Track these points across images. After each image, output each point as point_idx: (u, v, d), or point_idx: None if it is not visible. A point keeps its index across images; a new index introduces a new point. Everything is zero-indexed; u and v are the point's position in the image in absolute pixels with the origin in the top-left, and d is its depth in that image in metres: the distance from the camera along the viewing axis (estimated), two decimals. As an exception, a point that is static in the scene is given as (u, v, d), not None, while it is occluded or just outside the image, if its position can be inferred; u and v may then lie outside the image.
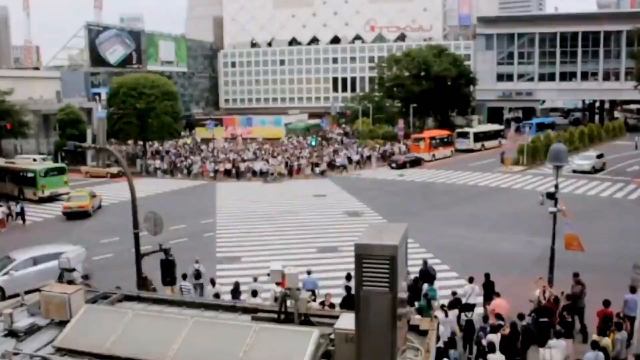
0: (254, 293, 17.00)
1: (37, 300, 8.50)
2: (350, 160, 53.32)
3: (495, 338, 13.83)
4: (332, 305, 15.98)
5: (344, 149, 59.14)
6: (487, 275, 17.94)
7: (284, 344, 6.92)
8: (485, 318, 15.08)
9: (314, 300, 16.39)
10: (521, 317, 14.83)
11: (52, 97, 69.89)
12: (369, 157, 55.15)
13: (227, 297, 18.03)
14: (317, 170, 49.60)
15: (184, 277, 19.24)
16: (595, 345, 12.70)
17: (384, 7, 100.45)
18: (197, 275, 20.33)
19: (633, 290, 15.73)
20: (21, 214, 34.71)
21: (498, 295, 16.42)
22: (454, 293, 17.05)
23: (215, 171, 50.20)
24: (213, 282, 18.90)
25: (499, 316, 14.83)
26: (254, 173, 48.95)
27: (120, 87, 60.77)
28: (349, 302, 16.00)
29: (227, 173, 50.10)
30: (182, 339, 7.17)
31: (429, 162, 54.32)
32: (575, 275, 17.04)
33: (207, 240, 27.80)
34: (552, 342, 13.53)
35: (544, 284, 16.74)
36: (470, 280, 17.80)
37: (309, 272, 19.01)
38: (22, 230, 33.29)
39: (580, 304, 16.43)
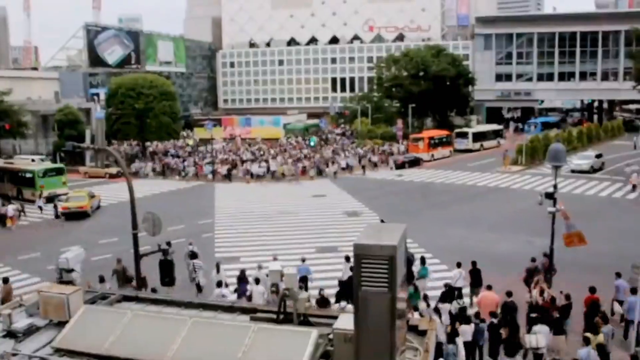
0: (257, 281, 17.63)
1: (36, 300, 8.49)
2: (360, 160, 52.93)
3: (468, 329, 14.31)
4: (326, 301, 16.26)
5: (348, 151, 58.46)
6: (473, 263, 18.94)
7: (282, 344, 6.92)
8: (477, 314, 15.19)
9: (306, 289, 17.63)
10: (509, 293, 15.89)
11: (50, 97, 69.86)
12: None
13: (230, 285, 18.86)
14: (329, 171, 48.23)
15: (196, 255, 21.18)
16: (587, 341, 12.94)
17: (383, 7, 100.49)
18: (192, 255, 21.50)
19: (619, 275, 16.86)
20: (55, 208, 36.30)
21: (489, 287, 16.57)
22: (446, 285, 17.54)
23: (213, 172, 49.31)
24: (218, 268, 19.70)
25: (493, 314, 14.93)
26: (252, 175, 47.83)
27: (118, 87, 60.83)
28: (341, 295, 17.05)
29: (224, 175, 48.97)
30: (180, 340, 7.17)
31: (427, 162, 54.32)
32: (545, 255, 18.93)
33: (206, 241, 27.77)
34: (537, 327, 14.00)
35: (543, 285, 16.77)
36: (458, 265, 18.89)
37: (303, 260, 20.29)
38: (23, 230, 33.31)
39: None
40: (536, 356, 13.89)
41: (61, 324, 7.90)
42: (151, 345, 7.17)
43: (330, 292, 17.70)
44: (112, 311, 8.37)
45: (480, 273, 18.73)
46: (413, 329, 7.79)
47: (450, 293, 16.98)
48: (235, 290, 18.47)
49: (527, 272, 18.46)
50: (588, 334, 13.55)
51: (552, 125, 74.47)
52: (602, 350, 12.94)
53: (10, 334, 7.91)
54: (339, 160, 52.29)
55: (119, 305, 9.02)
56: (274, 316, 8.04)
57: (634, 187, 37.69)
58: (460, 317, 15.02)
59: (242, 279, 18.89)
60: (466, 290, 18.77)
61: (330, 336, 7.01)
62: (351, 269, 17.56)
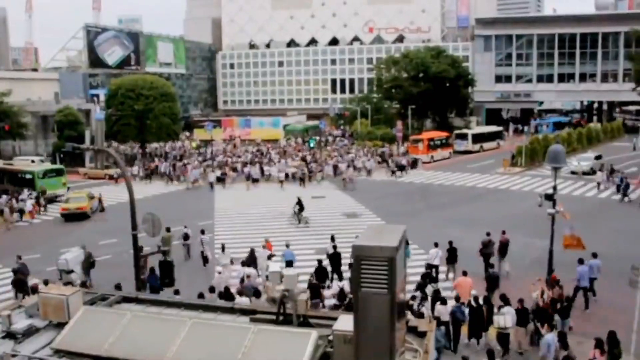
0: (248, 264, 19.97)
1: (36, 301, 8.49)
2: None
3: (444, 310, 15.70)
4: (316, 286, 17.53)
5: (368, 153, 56.04)
6: (450, 243, 21.91)
7: (282, 345, 6.92)
8: (457, 298, 16.39)
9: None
10: (491, 265, 20.48)
11: (50, 98, 69.81)
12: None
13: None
14: (346, 176, 44.69)
15: (202, 232, 24.76)
16: (552, 327, 14.46)
17: (383, 9, 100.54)
18: (186, 236, 25.26)
19: (581, 261, 18.43)
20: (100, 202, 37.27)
21: (465, 273, 18.22)
22: (426, 265, 19.93)
23: (217, 178, 45.53)
24: (223, 248, 22.26)
25: (475, 298, 16.35)
26: (255, 180, 45.13)
27: (118, 88, 60.82)
28: (320, 275, 18.89)
29: (220, 180, 45.49)
30: (180, 341, 7.17)
31: (427, 164, 54.28)
32: (503, 232, 22.57)
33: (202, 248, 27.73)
34: (504, 309, 15.21)
35: (543, 286, 16.77)
36: (435, 244, 21.37)
37: (287, 245, 21.98)
38: (24, 230, 33.31)
39: (488, 250, 21.80)
40: (503, 336, 15.08)
41: (61, 325, 7.90)
42: (150, 346, 7.18)
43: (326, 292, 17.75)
44: (111, 312, 8.37)
45: (456, 251, 21.54)
46: (413, 330, 7.79)
47: (429, 273, 19.42)
48: (243, 263, 20.31)
49: (482, 245, 21.94)
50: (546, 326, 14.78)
51: (564, 125, 74.69)
52: (562, 336, 14.21)
53: (10, 335, 7.91)
54: (357, 163, 49.85)
55: (118, 306, 9.02)
56: (274, 317, 8.04)
57: (599, 185, 39.51)
58: (435, 299, 16.33)
59: (251, 257, 20.94)
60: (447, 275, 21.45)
61: (330, 337, 7.01)
62: (334, 247, 20.54)
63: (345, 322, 6.71)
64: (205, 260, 23.91)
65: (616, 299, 18.05)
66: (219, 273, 19.38)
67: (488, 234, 22.38)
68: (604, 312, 17.86)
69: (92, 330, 7.58)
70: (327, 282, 19.00)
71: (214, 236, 29.21)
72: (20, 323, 8.09)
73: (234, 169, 49.79)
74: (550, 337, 13.96)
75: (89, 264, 21.60)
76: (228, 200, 39.61)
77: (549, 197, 18.99)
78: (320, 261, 19.82)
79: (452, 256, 21.47)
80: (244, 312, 8.69)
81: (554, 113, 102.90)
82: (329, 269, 20.33)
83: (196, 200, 40.25)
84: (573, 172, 43.77)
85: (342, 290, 17.20)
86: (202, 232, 24.80)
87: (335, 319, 7.24)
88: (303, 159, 53.56)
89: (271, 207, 36.31)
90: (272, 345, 6.91)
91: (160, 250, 16.66)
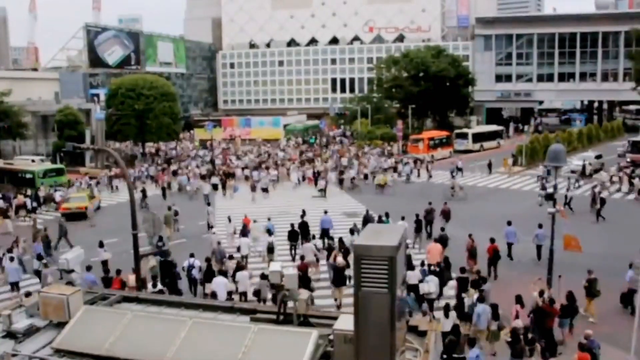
0: (243, 233, 24.78)
1: (36, 301, 8.50)
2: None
3: (412, 274, 17.56)
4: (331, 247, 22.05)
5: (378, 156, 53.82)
6: (417, 215, 25.80)
7: (282, 345, 6.92)
8: (422, 263, 19.11)
9: (272, 250, 22.96)
10: (442, 229, 24.17)
11: (50, 98, 69.86)
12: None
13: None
14: (374, 182, 42.01)
15: (209, 204, 32.14)
16: (482, 300, 15.48)
17: (383, 8, 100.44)
18: (175, 213, 29.94)
19: (509, 223, 23.46)
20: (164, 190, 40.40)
21: (436, 241, 21.98)
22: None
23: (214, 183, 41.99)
24: (229, 219, 26.92)
25: (439, 264, 18.93)
26: (264, 190, 40.46)
27: (118, 88, 60.89)
28: (291, 235, 24.62)
29: (215, 187, 41.29)
30: (180, 340, 7.17)
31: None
32: (430, 203, 28.48)
33: (206, 241, 27.71)
34: (428, 277, 17.51)
35: (543, 285, 16.77)
36: (402, 218, 24.41)
37: (269, 219, 27.16)
38: (25, 231, 33.21)
39: (430, 217, 27.50)
40: (429, 301, 16.93)
41: (61, 325, 7.90)
42: (151, 346, 7.18)
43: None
44: (112, 312, 8.37)
45: (421, 223, 25.72)
46: (413, 329, 7.79)
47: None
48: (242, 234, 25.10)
49: (425, 212, 27.29)
50: (472, 290, 16.39)
51: (591, 120, 77.30)
52: (494, 308, 15.29)
53: (10, 335, 7.91)
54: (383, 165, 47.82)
55: (118, 305, 9.03)
56: (274, 317, 8.05)
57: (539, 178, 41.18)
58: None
59: (244, 228, 25.89)
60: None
61: (331, 337, 7.01)
62: (301, 216, 26.93)
63: (345, 322, 6.72)
64: (209, 226, 28.89)
65: (616, 297, 18.04)
66: (214, 233, 24.95)
67: (430, 203, 28.24)
68: (604, 311, 17.86)
69: (93, 329, 7.58)
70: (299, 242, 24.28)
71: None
72: (21, 322, 8.10)
73: (232, 175, 45.06)
74: (480, 308, 15.02)
75: (47, 243, 25.18)
76: (228, 200, 39.41)
77: (549, 197, 19.01)
78: (302, 215, 26.53)
79: (418, 227, 25.40)
80: (244, 311, 8.69)
81: (554, 112, 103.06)
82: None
83: (197, 200, 40.00)
84: (573, 172, 43.74)
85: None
86: (209, 204, 31.52)
87: (335, 318, 7.25)
88: (326, 161, 50.96)
89: (272, 207, 36.12)
90: (272, 345, 6.92)
91: (160, 250, 16.68)
